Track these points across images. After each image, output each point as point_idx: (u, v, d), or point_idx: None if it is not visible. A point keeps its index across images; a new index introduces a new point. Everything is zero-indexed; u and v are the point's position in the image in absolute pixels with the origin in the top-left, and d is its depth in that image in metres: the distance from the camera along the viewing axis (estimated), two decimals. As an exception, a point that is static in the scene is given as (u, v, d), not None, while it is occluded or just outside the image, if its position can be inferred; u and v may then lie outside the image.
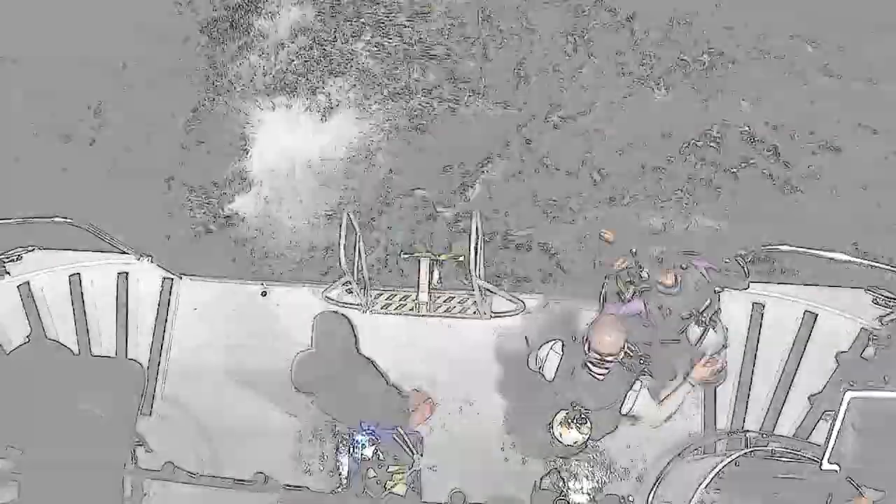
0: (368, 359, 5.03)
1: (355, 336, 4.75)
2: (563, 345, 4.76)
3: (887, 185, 7.67)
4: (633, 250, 5.23)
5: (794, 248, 5.30)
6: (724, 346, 5.35)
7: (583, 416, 4.58)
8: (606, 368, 4.51)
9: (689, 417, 5.77)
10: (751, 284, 5.72)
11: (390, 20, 8.67)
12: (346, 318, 4.71)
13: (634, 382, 4.63)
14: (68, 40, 8.52)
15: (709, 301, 5.17)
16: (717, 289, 5.25)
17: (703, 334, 5.23)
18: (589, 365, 4.54)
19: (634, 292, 5.19)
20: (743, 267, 5.40)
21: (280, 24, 8.76)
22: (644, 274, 5.11)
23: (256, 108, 8.52)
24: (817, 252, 5.26)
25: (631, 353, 4.65)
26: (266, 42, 8.71)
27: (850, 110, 8.01)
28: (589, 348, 4.46)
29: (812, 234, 6.19)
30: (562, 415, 4.63)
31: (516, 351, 5.80)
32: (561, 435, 4.62)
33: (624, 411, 4.70)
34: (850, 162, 7.86)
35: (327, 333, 4.66)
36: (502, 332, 6.09)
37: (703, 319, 5.12)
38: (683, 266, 5.14)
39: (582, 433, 4.60)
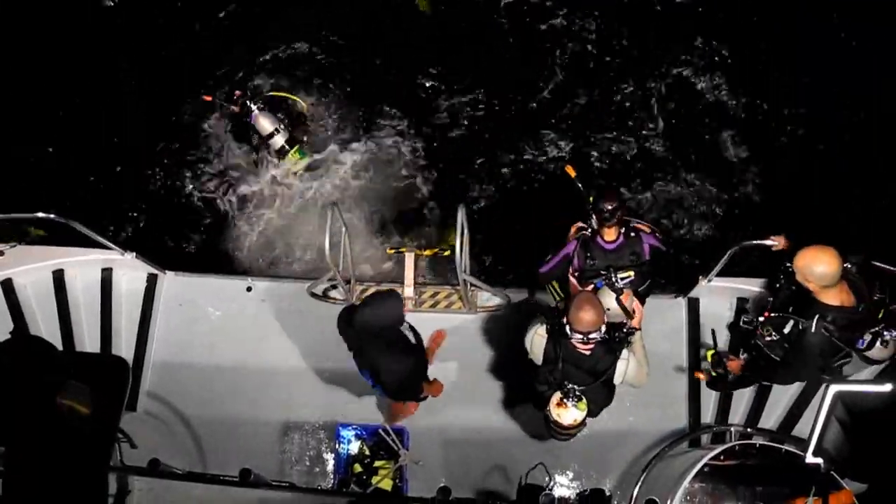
0: (408, 336, 4.94)
1: (401, 317, 4.67)
2: (546, 327, 4.69)
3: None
4: (591, 198, 5.12)
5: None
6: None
7: (577, 393, 4.58)
8: (591, 343, 4.49)
9: (674, 412, 5.82)
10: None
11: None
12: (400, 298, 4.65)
13: (620, 351, 4.61)
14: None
15: (630, 273, 5.08)
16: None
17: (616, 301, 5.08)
18: (573, 343, 4.51)
19: (579, 237, 5.21)
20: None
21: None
22: (593, 223, 5.11)
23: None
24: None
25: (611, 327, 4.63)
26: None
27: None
28: (570, 329, 4.44)
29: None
30: (556, 396, 4.62)
31: (504, 344, 5.82)
32: (559, 416, 4.60)
33: (617, 381, 4.68)
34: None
35: (379, 302, 4.57)
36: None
37: (613, 283, 5.05)
38: (632, 233, 5.11)
39: (580, 409, 4.58)
